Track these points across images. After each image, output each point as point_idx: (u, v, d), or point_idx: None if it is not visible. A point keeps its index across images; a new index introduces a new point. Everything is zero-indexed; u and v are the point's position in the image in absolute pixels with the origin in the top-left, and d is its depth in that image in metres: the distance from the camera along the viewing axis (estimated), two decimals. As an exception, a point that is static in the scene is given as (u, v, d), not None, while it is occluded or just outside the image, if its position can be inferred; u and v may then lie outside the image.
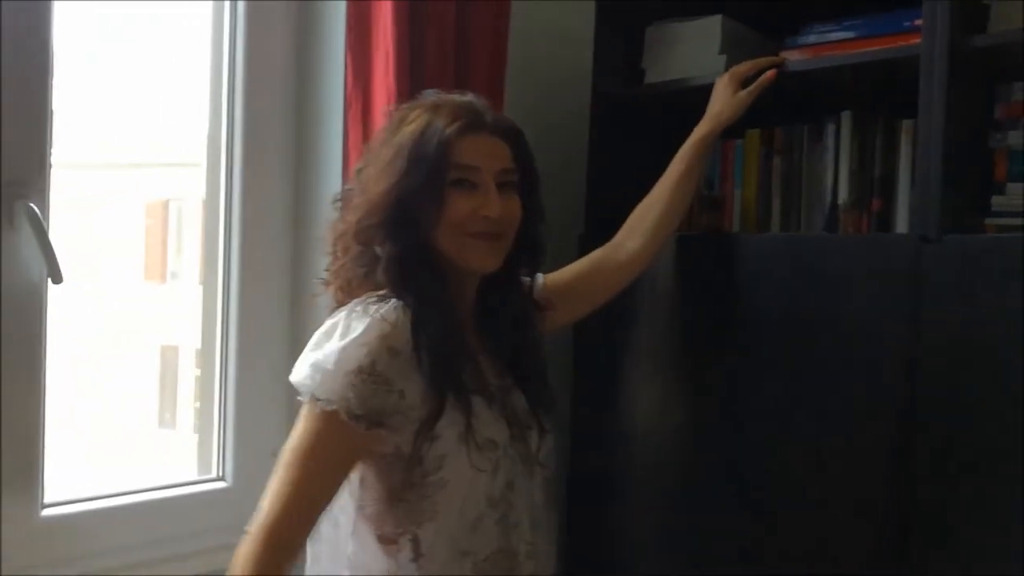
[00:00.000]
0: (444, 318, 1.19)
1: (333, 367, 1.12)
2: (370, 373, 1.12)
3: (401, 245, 1.19)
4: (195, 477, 1.74)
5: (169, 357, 4.54)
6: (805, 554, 1.48)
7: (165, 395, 4.57)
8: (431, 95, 1.26)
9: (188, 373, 4.37)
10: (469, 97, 1.25)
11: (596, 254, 1.52)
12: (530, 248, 1.28)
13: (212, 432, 1.74)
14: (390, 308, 1.15)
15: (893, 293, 1.40)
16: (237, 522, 1.68)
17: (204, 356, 1.75)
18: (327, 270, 1.27)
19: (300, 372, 1.17)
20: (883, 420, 1.41)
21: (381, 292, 1.20)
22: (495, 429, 1.21)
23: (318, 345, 1.18)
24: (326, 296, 1.68)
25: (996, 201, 1.43)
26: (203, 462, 1.75)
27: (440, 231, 1.20)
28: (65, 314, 1.53)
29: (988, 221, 1.43)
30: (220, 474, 1.72)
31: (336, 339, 1.15)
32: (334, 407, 1.12)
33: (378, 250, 1.20)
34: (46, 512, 1.47)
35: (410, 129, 1.20)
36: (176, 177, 4.55)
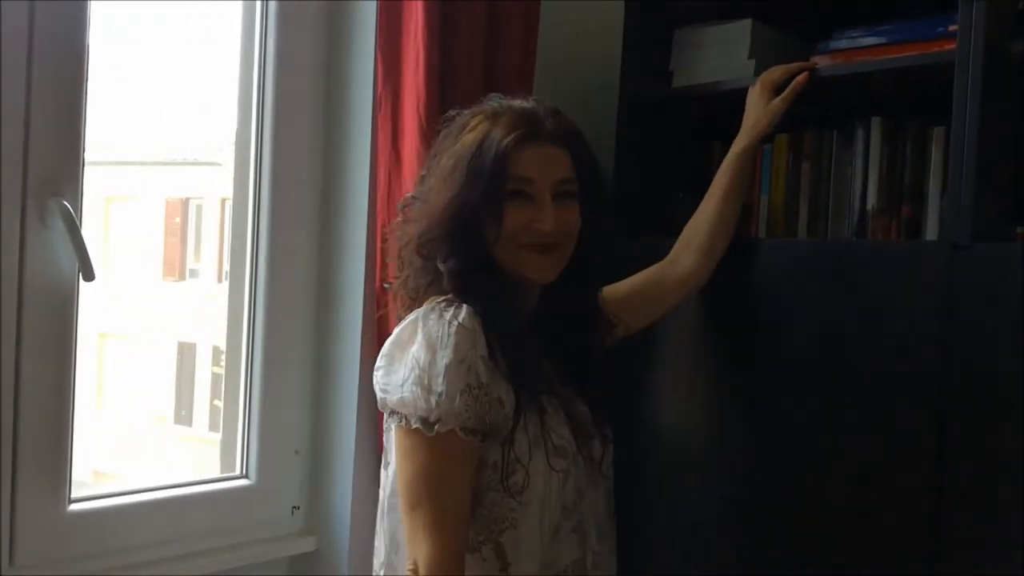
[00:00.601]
0: (509, 324, 1.19)
1: (444, 388, 1.12)
2: (479, 387, 1.14)
3: (463, 259, 1.19)
4: (217, 474, 1.75)
5: (186, 354, 4.55)
6: (833, 556, 1.47)
7: (181, 392, 4.59)
8: (494, 100, 1.26)
9: (205, 371, 4.38)
10: (531, 103, 1.24)
11: (652, 270, 1.52)
12: (592, 255, 1.27)
13: (236, 430, 1.74)
14: (466, 315, 1.16)
15: (923, 300, 1.39)
16: (260, 520, 1.72)
17: (229, 354, 1.76)
18: (395, 278, 1.28)
19: (399, 394, 1.16)
20: (913, 427, 1.39)
21: (448, 296, 1.20)
22: (565, 433, 1.22)
23: (392, 358, 1.19)
24: (355, 294, 1.70)
25: (1028, 209, 1.43)
26: (226, 460, 1.76)
27: (497, 242, 1.20)
28: (84, 309, 1.54)
29: (1020, 229, 1.43)
30: (244, 472, 1.72)
31: (422, 350, 1.15)
32: (451, 427, 1.12)
33: (441, 266, 1.21)
34: (73, 507, 1.48)
35: (469, 139, 1.20)
36: (196, 176, 4.57)
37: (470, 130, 1.22)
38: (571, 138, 1.24)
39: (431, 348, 1.14)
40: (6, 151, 1.35)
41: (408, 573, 1.16)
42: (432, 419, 1.12)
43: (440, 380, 1.12)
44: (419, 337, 1.16)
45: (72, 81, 1.43)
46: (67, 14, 1.41)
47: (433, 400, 1.12)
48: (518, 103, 1.24)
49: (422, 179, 1.28)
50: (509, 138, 1.18)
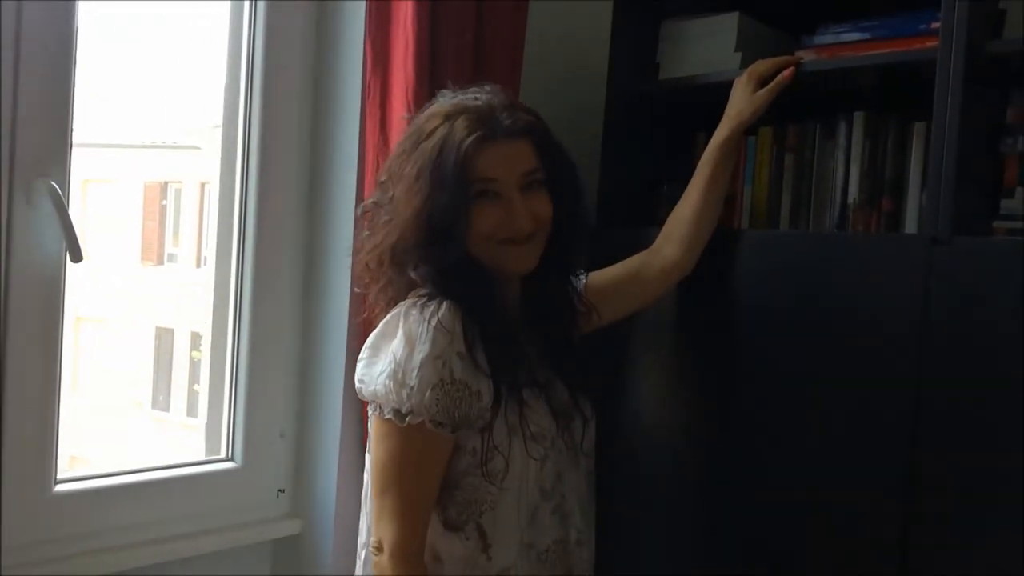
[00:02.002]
0: (492, 319, 1.21)
1: (416, 383, 1.15)
2: (452, 383, 1.16)
3: (438, 265, 1.21)
4: (202, 457, 1.75)
5: (164, 339, 4.53)
6: (807, 537, 1.50)
7: (159, 377, 4.57)
8: (447, 97, 1.25)
9: (183, 355, 4.36)
10: (485, 96, 1.24)
11: (635, 260, 1.53)
12: (566, 239, 1.28)
13: (221, 413, 1.75)
14: (445, 312, 1.18)
15: (902, 293, 1.42)
16: (245, 502, 1.72)
17: (215, 337, 1.76)
18: (367, 284, 1.29)
19: (374, 385, 1.19)
20: (888, 419, 1.42)
21: (430, 291, 1.22)
22: (545, 421, 1.25)
23: (377, 350, 1.21)
24: (341, 278, 1.71)
25: (1005, 205, 1.45)
26: (211, 443, 1.76)
27: (472, 242, 1.21)
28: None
29: (996, 224, 1.45)
30: (229, 455, 1.73)
31: (400, 345, 1.17)
32: (421, 419, 1.15)
33: (413, 274, 1.22)
34: (59, 488, 1.48)
35: (429, 145, 1.20)
36: (174, 159, 4.53)
37: (428, 135, 1.21)
38: (531, 128, 1.24)
39: (410, 343, 1.17)
40: (-6, 131, 1.35)
41: (371, 550, 1.21)
42: (404, 411, 1.16)
43: (414, 375, 1.15)
44: (400, 332, 1.19)
45: (61, 62, 1.42)
46: (56, -3, 1.41)
47: (405, 393, 1.15)
48: (472, 99, 1.23)
49: (382, 184, 1.27)
50: (468, 141, 1.17)
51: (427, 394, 1.15)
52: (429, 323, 1.16)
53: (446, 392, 1.16)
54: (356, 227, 1.68)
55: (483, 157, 1.19)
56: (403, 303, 1.22)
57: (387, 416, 1.17)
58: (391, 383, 1.16)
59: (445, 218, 1.18)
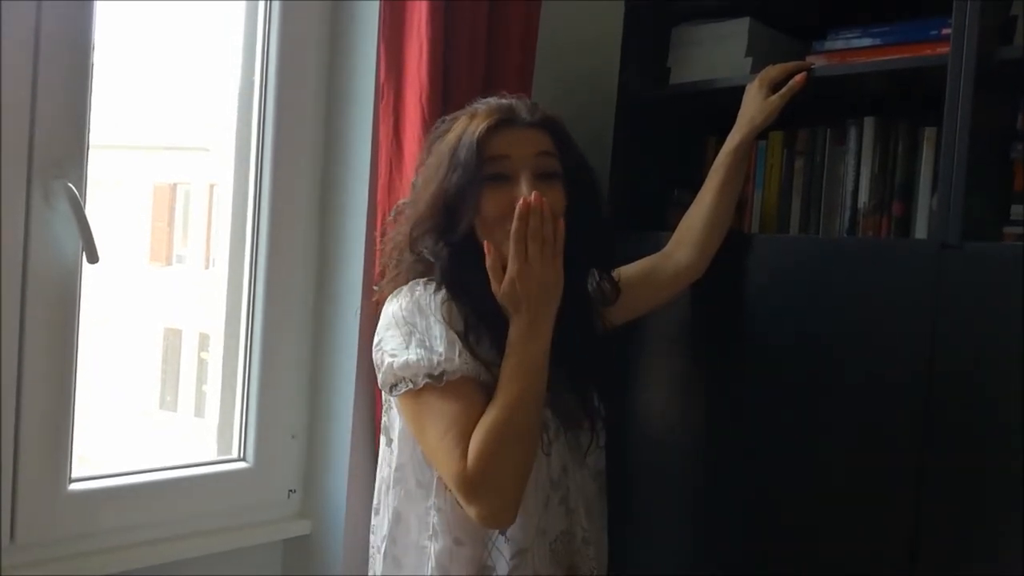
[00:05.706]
0: (487, 310, 1.22)
1: (443, 347, 1.17)
2: (464, 345, 1.19)
3: (450, 245, 1.23)
4: (215, 457, 1.76)
5: (172, 340, 4.53)
6: (816, 546, 1.50)
7: (167, 377, 4.57)
8: (479, 102, 1.30)
9: (190, 356, 4.36)
10: (512, 98, 1.28)
11: (646, 263, 1.54)
12: (581, 241, 1.27)
13: (233, 413, 1.76)
14: (444, 295, 1.21)
15: (912, 298, 1.42)
16: (256, 502, 1.73)
17: (227, 338, 1.77)
18: (385, 279, 1.31)
19: (403, 356, 1.19)
20: (899, 423, 1.43)
21: (429, 278, 1.25)
22: (544, 413, 1.24)
23: (388, 329, 1.23)
24: (353, 281, 1.72)
25: (1015, 210, 1.46)
26: (223, 443, 1.77)
27: (480, 229, 1.22)
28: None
29: (1007, 230, 1.46)
30: (241, 455, 1.74)
31: (416, 315, 1.20)
32: (459, 375, 1.16)
33: (428, 255, 1.24)
34: (73, 487, 1.49)
35: (452, 136, 1.25)
36: (182, 161, 4.53)
37: (452, 130, 1.26)
38: (550, 122, 1.26)
39: (424, 313, 1.20)
40: (13, 132, 1.36)
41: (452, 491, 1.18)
42: (437, 373, 1.17)
43: (438, 340, 1.18)
44: (410, 305, 1.21)
45: (79, 65, 1.43)
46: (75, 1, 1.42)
47: (435, 359, 1.17)
48: (497, 100, 1.28)
49: (413, 184, 1.33)
50: (484, 124, 1.22)
51: (456, 355, 1.17)
52: (435, 296, 1.21)
53: (464, 348, 1.18)
54: (369, 229, 1.70)
55: (498, 138, 1.22)
56: (404, 287, 1.25)
57: (422, 383, 1.16)
58: (421, 351, 1.18)
59: (459, 199, 1.21)
